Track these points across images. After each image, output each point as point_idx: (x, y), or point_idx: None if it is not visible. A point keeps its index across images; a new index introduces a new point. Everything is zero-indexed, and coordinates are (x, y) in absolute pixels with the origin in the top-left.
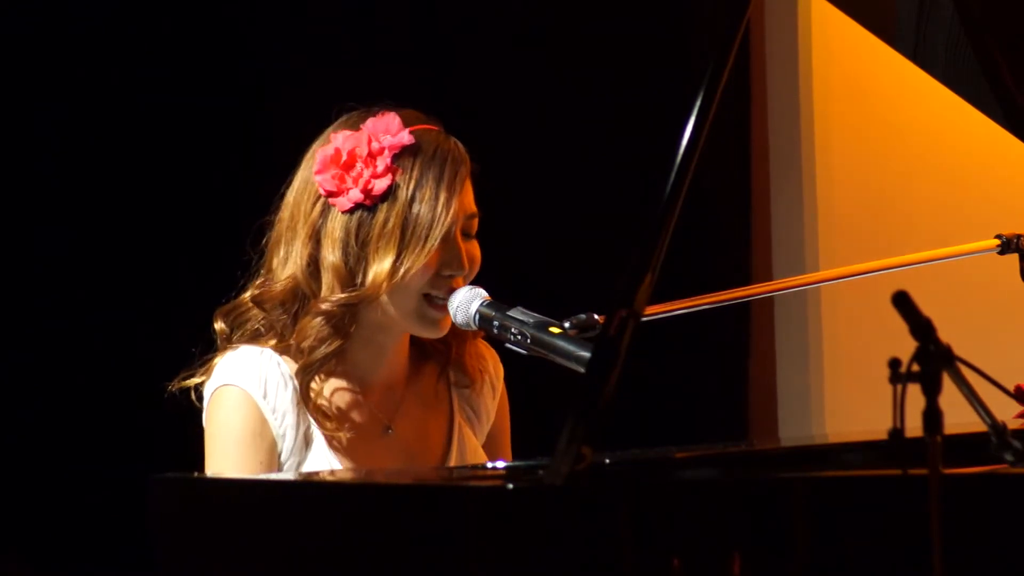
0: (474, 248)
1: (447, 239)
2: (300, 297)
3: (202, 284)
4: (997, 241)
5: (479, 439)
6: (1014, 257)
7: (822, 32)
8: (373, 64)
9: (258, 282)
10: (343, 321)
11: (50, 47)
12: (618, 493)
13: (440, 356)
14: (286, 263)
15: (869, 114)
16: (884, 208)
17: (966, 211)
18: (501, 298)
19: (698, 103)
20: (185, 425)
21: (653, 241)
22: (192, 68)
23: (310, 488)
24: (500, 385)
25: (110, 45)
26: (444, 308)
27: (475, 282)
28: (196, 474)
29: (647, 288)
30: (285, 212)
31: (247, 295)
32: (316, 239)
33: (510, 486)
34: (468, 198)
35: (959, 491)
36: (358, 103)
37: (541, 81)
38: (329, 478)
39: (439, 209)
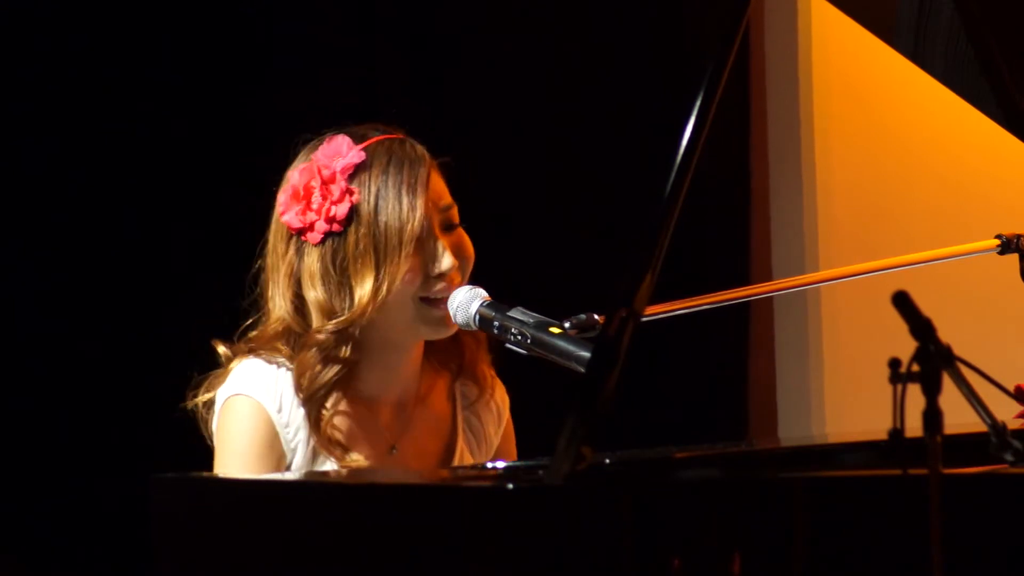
0: (460, 239)
1: (422, 240)
2: (294, 335)
3: (204, 285)
4: (997, 241)
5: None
6: (1014, 257)
7: (822, 32)
8: (373, 64)
9: (254, 321)
10: (337, 349)
11: (50, 48)
12: (618, 493)
13: (452, 362)
14: (276, 305)
15: (868, 114)
16: (884, 208)
17: (966, 211)
18: (501, 298)
19: (698, 103)
20: (186, 425)
21: (653, 241)
22: (199, 66)
23: (310, 488)
24: (505, 414)
25: (113, 48)
26: (444, 304)
27: (474, 283)
28: (197, 474)
29: (647, 288)
30: (267, 259)
31: (244, 342)
32: (296, 278)
33: (510, 486)
34: (438, 190)
35: (959, 491)
36: (334, 102)
37: (541, 81)
38: (329, 478)
39: (404, 214)
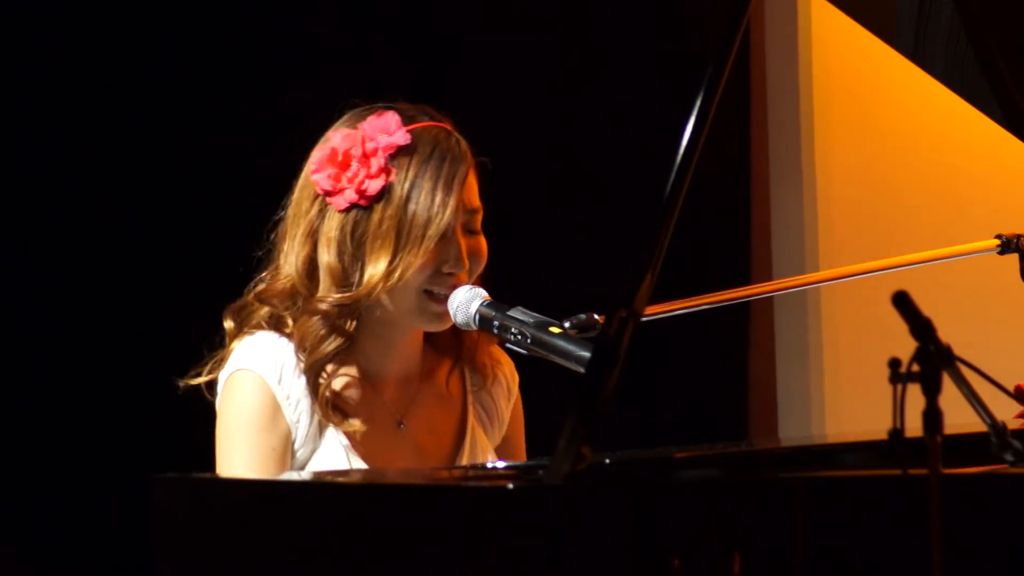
0: (477, 243)
1: (445, 237)
2: (300, 295)
3: (205, 281)
4: (997, 241)
5: (492, 442)
6: (1014, 257)
7: (822, 32)
8: (373, 64)
9: (264, 275)
10: (340, 321)
11: (50, 48)
12: (618, 493)
13: (453, 350)
14: (287, 260)
15: (869, 114)
16: (884, 208)
17: (966, 211)
18: (501, 298)
19: (698, 103)
20: (188, 424)
21: (653, 241)
22: (198, 66)
23: (311, 488)
24: (515, 391)
25: (116, 44)
26: (445, 302)
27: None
28: (197, 474)
29: (647, 288)
30: (289, 209)
31: (252, 292)
32: (313, 238)
33: (510, 486)
34: (470, 193)
35: (959, 491)
36: (364, 99)
37: (540, 81)
38: (330, 479)
39: (435, 208)
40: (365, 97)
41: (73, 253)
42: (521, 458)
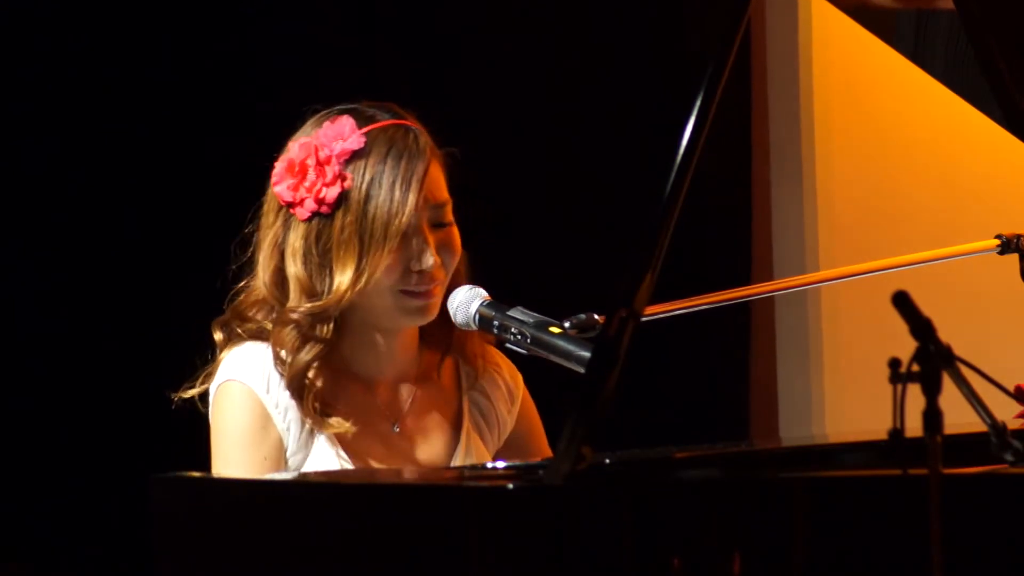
0: (447, 235)
1: (407, 235)
2: (272, 307)
3: (205, 281)
4: (997, 241)
5: (490, 447)
6: (1014, 257)
7: (822, 32)
8: (373, 64)
9: (242, 286)
10: (313, 330)
11: (50, 48)
12: (618, 493)
13: (444, 342)
14: (259, 274)
15: (869, 114)
16: (884, 208)
17: (966, 211)
18: (501, 298)
19: (698, 103)
20: (187, 425)
21: (653, 241)
22: (198, 66)
23: (311, 488)
24: (519, 392)
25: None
26: (424, 296)
27: (475, 283)
28: (197, 474)
29: (647, 288)
30: (260, 219)
31: (230, 305)
32: (280, 250)
33: (510, 486)
34: (434, 187)
35: (959, 491)
36: (325, 104)
37: (541, 81)
38: (329, 479)
39: (394, 208)
40: (326, 103)
41: (73, 253)
42: (545, 453)
